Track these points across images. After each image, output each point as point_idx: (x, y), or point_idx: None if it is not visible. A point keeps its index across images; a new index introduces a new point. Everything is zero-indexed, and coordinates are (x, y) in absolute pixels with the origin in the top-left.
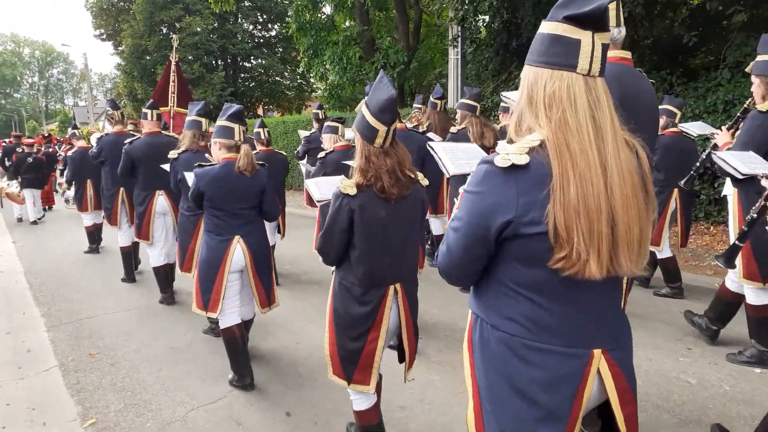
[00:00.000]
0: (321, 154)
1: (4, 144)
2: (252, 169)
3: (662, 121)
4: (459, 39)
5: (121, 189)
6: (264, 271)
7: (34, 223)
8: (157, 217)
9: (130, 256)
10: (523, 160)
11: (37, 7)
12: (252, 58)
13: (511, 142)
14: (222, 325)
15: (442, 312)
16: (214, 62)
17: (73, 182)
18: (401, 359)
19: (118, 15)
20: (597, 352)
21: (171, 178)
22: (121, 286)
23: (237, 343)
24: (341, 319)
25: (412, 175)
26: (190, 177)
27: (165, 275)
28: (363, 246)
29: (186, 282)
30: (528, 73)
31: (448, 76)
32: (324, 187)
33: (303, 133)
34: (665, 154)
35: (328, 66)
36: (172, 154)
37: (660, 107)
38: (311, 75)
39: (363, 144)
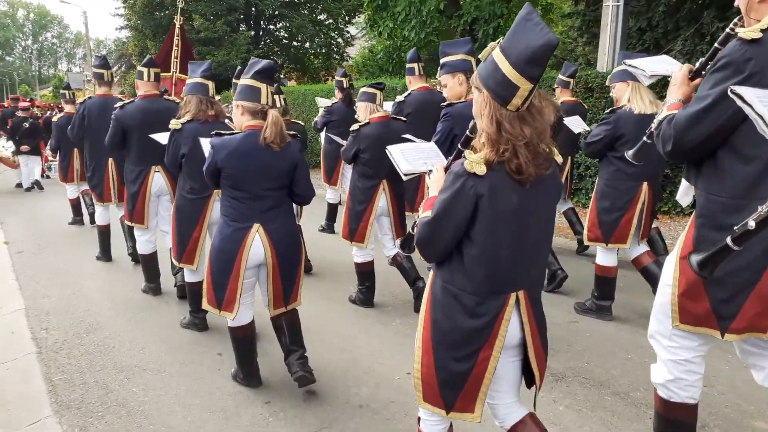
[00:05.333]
0: (354, 126)
1: (3, 107)
2: (281, 141)
3: None
4: None
5: (110, 160)
6: (289, 268)
7: (28, 189)
8: (152, 199)
9: (108, 235)
10: None
11: None
12: (277, 18)
13: None
14: (231, 324)
15: None
16: (237, 22)
17: (58, 150)
18: (529, 383)
19: None
20: None
21: (169, 153)
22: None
23: (247, 343)
24: (445, 336)
25: (548, 150)
26: (206, 146)
27: (155, 264)
28: (486, 242)
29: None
30: None
31: (600, 32)
32: (413, 157)
33: (322, 102)
34: None
35: (399, 20)
36: (174, 123)
37: None
38: (377, 31)
39: (493, 106)
